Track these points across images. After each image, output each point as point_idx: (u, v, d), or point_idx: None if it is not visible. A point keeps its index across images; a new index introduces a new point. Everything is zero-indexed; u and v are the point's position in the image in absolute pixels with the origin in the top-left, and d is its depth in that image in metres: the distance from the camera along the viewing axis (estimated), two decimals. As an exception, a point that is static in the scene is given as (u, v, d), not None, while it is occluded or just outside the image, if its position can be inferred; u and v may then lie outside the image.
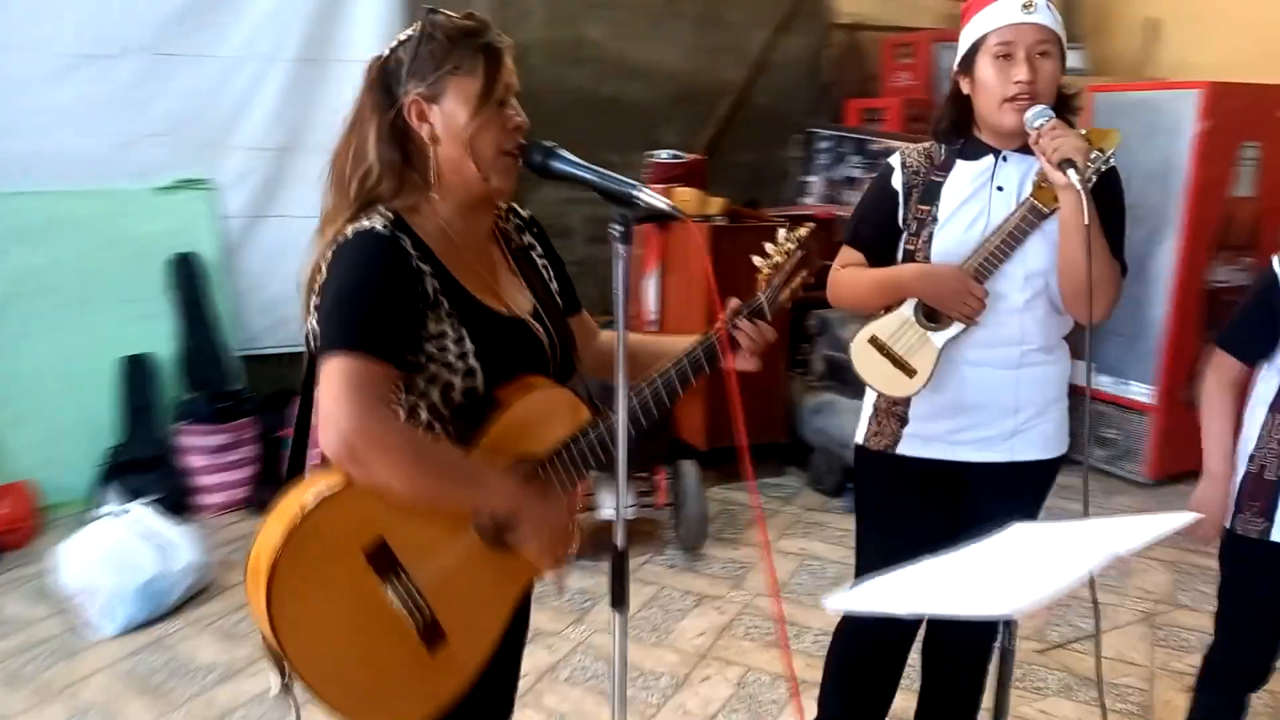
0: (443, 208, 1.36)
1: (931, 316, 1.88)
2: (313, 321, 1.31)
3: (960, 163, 1.89)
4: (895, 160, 1.96)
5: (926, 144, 1.96)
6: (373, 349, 1.22)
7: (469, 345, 1.32)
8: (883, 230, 1.95)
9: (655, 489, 3.48)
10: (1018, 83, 1.75)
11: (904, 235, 1.93)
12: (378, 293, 1.25)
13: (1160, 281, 4.04)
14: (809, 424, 4.13)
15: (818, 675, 2.17)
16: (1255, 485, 1.88)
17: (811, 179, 5.40)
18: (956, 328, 1.85)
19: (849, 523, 3.79)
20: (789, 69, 5.48)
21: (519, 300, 1.45)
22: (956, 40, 1.91)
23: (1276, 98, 3.94)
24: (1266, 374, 1.91)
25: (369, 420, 1.19)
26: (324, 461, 1.24)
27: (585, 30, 5.05)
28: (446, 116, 1.30)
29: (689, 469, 3.50)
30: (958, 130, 1.92)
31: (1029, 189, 1.81)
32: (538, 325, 1.44)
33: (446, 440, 1.31)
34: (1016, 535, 1.53)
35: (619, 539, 1.34)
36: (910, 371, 1.89)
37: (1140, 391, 4.15)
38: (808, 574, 3.40)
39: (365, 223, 1.28)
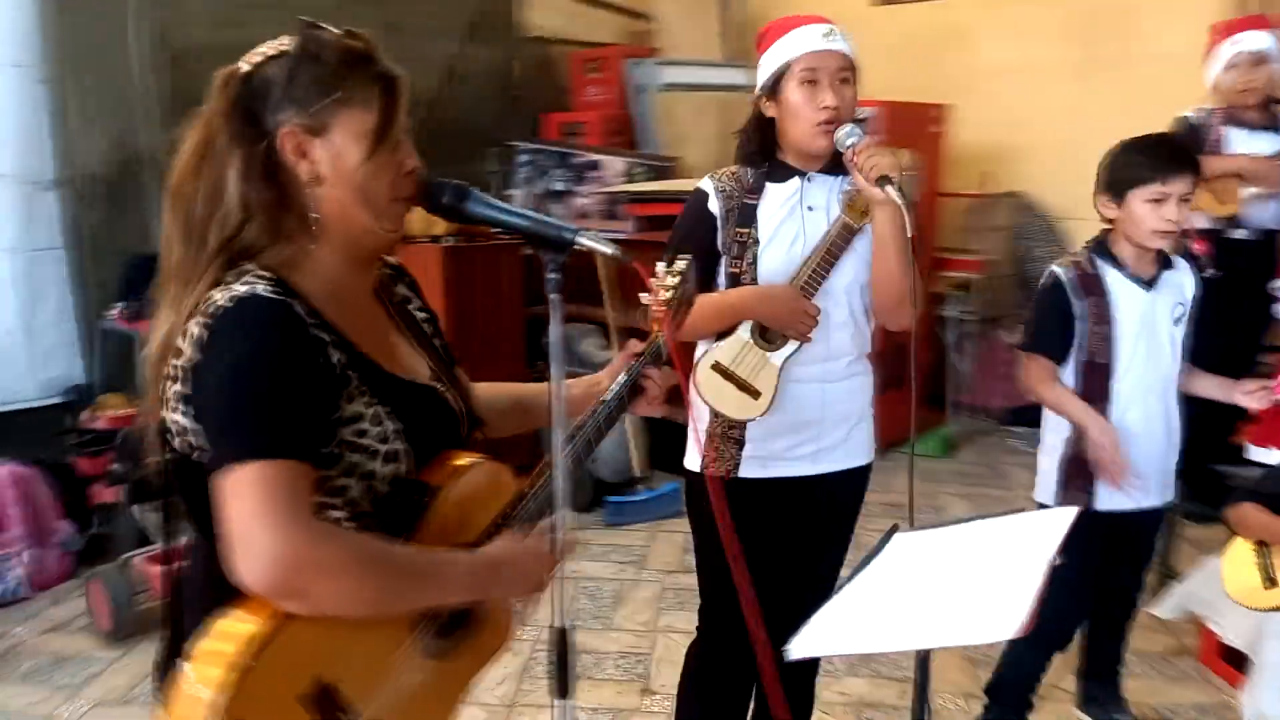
0: (326, 261, 1.14)
1: (766, 337, 1.92)
2: (179, 416, 1.05)
3: (769, 185, 1.94)
4: (708, 185, 1.97)
5: (733, 168, 1.99)
6: (289, 450, 1.00)
7: (390, 425, 1.13)
8: (702, 255, 1.93)
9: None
10: (825, 108, 1.83)
11: (724, 259, 1.94)
12: (280, 377, 1.02)
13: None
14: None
15: (633, 702, 2.14)
16: (1075, 467, 2.14)
17: (514, 193, 5.34)
18: (792, 346, 1.90)
19: (611, 537, 3.86)
20: (478, 81, 5.38)
21: (418, 364, 1.27)
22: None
23: (932, 115, 4.55)
24: (1068, 369, 2.19)
25: (303, 539, 0.97)
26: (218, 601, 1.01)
27: (255, 34, 4.57)
28: (333, 154, 1.09)
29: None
30: (763, 154, 1.96)
31: (836, 208, 1.90)
32: (444, 390, 1.26)
33: (386, 539, 1.09)
34: (907, 546, 1.60)
35: (558, 619, 1.22)
36: (755, 393, 1.92)
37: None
38: (587, 598, 3.36)
39: (241, 287, 1.04)
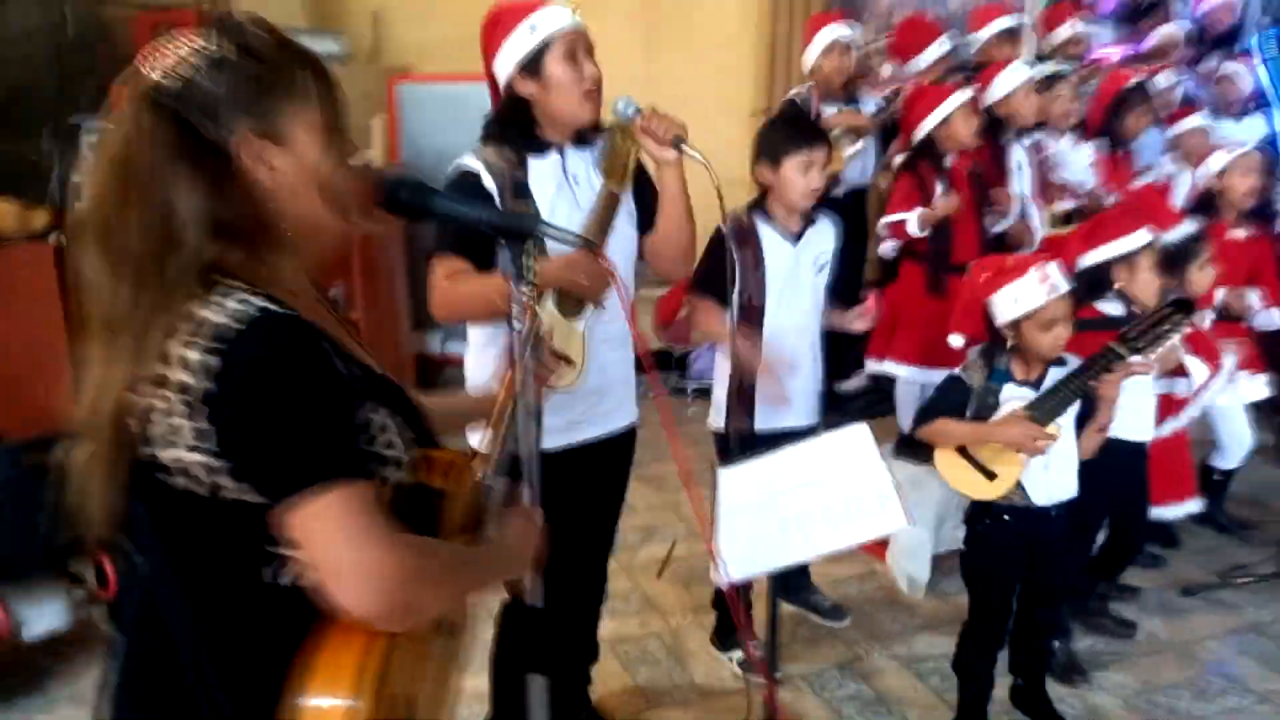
0: (293, 267, 1.06)
1: (564, 305, 2.00)
2: (190, 453, 0.93)
3: (531, 160, 1.99)
4: (474, 163, 1.97)
5: (487, 147, 2.01)
6: (356, 469, 0.96)
7: (393, 429, 1.08)
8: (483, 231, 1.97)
9: (102, 582, 2.79)
10: (591, 78, 1.95)
11: (515, 248, 1.98)
12: (325, 396, 0.96)
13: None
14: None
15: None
16: (739, 396, 2.47)
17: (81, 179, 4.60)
18: (589, 311, 2.01)
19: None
20: (20, 45, 4.53)
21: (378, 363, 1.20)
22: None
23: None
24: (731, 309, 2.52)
25: (404, 554, 0.95)
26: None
27: None
28: (292, 156, 1.02)
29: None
30: (520, 131, 2.01)
31: (596, 177, 2.02)
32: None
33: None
34: (737, 479, 1.83)
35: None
36: (570, 362, 1.99)
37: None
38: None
39: (238, 305, 0.94)
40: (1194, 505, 3.10)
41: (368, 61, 5.65)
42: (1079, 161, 3.53)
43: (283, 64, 1.02)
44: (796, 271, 2.55)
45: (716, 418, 2.62)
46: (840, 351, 3.30)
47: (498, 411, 1.38)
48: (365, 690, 0.92)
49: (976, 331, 2.34)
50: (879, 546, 3.33)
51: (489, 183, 1.95)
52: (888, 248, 3.36)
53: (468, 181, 1.97)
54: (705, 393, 4.79)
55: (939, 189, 3.25)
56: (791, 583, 2.99)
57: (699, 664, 2.83)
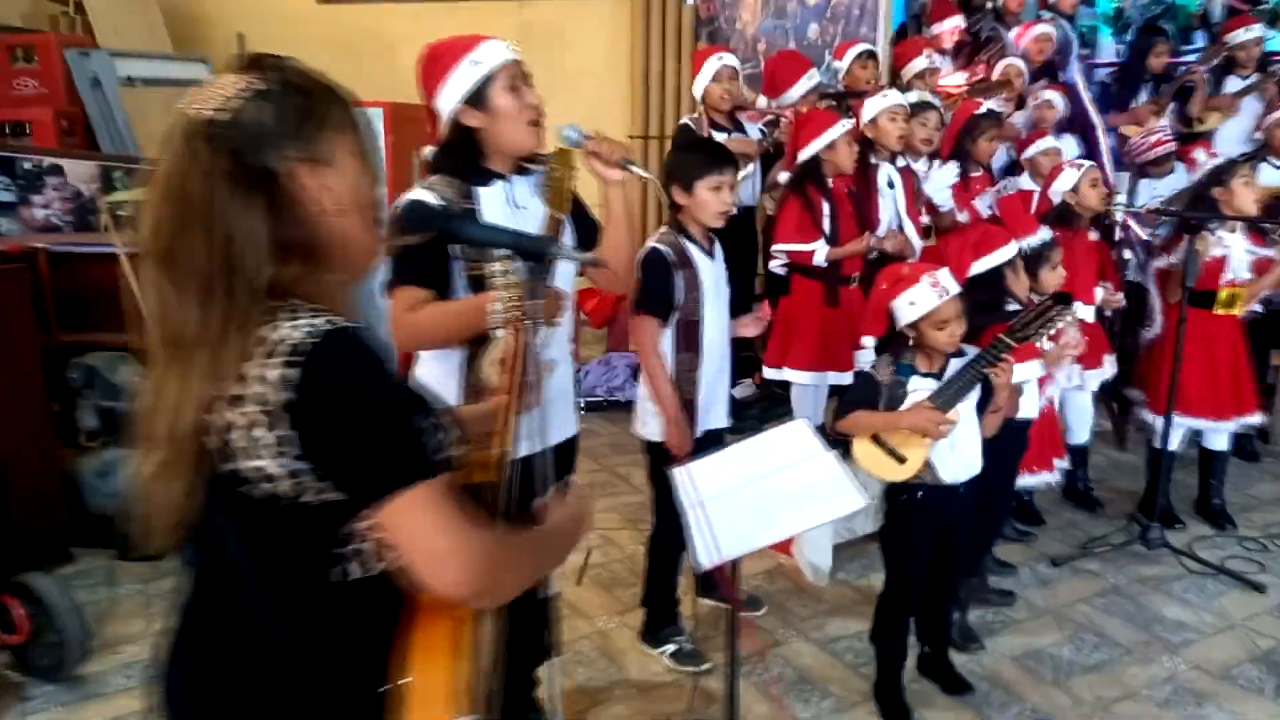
0: (337, 284, 1.14)
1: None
2: (269, 461, 1.00)
3: (479, 189, 2.07)
4: (424, 195, 2.00)
5: (436, 178, 2.07)
6: (438, 466, 1.05)
7: (445, 428, 1.17)
8: (439, 261, 2.00)
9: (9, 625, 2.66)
10: (533, 107, 2.08)
11: (462, 263, 2.02)
12: (404, 400, 1.06)
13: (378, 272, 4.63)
14: (102, 490, 3.55)
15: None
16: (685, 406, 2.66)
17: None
18: (544, 332, 2.12)
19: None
20: None
21: None
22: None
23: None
24: (669, 329, 2.69)
25: (490, 541, 1.07)
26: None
27: None
28: (341, 180, 1.10)
29: (47, 585, 2.76)
30: (468, 161, 2.08)
31: (539, 203, 2.13)
32: None
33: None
34: (693, 474, 1.98)
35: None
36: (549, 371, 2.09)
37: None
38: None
39: (312, 322, 1.02)
40: (1055, 476, 3.49)
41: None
42: (941, 182, 3.89)
43: (320, 95, 1.10)
44: (717, 285, 2.74)
45: (645, 426, 2.76)
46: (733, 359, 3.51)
47: (503, 417, 1.47)
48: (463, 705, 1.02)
49: (882, 332, 2.59)
50: (785, 541, 3.55)
51: None
52: (778, 264, 3.61)
53: (416, 209, 2.01)
54: (594, 407, 4.99)
55: (825, 208, 3.53)
56: (709, 580, 3.16)
57: (632, 661, 2.95)
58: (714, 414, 2.75)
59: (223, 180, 1.01)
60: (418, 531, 1.00)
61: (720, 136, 3.92)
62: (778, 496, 1.76)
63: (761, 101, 4.39)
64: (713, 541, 1.62)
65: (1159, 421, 3.63)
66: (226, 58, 1.12)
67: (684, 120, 3.98)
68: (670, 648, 2.93)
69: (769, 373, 3.75)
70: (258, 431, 0.99)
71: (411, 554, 1.01)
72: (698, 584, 3.18)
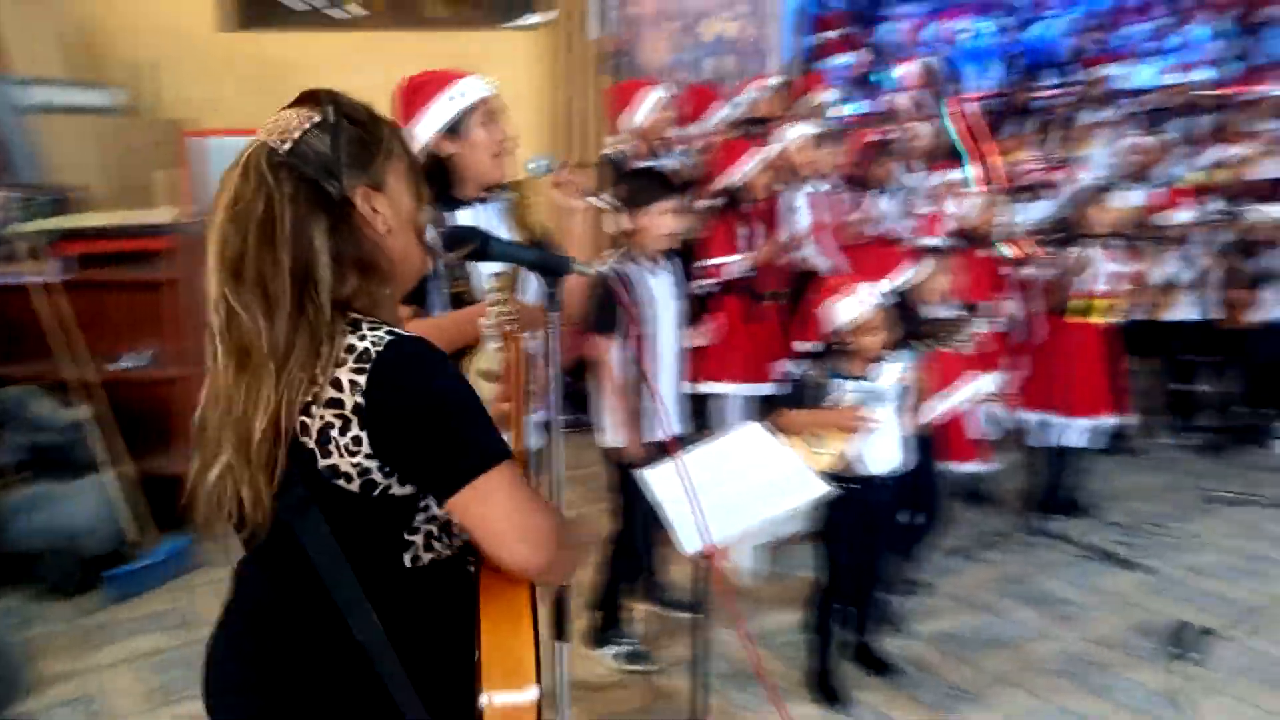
0: (394, 300, 1.28)
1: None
2: (352, 458, 1.12)
3: (456, 213, 2.22)
4: None
5: None
6: (508, 451, 1.18)
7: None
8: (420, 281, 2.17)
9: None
10: (505, 139, 2.25)
11: (442, 280, 2.18)
12: (472, 395, 1.19)
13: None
14: (24, 526, 3.46)
15: None
16: (634, 415, 2.84)
17: None
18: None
19: (129, 611, 3.43)
20: None
21: None
22: None
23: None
24: (622, 344, 2.87)
25: (558, 521, 1.21)
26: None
27: None
28: (394, 203, 1.23)
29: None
30: (442, 188, 2.21)
31: (504, 228, 2.30)
32: None
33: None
34: (668, 472, 2.15)
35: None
36: None
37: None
38: (159, 671, 3.07)
39: (379, 333, 1.14)
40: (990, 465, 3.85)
41: (147, 115, 5.47)
42: (837, 203, 4.21)
43: (374, 126, 1.22)
44: (666, 301, 2.94)
45: (606, 436, 2.94)
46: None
47: (512, 421, 1.61)
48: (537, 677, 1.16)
49: (818, 339, 2.85)
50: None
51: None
52: (704, 284, 3.82)
53: (461, 232, 2.18)
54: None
55: (744, 231, 3.78)
56: (648, 586, 3.33)
57: (577, 664, 3.08)
58: (668, 420, 2.94)
59: (294, 205, 1.13)
60: (497, 512, 1.13)
61: (644, 163, 4.12)
62: (746, 491, 1.95)
63: (671, 131, 4.62)
64: (700, 527, 1.78)
65: (1033, 420, 4.04)
66: (297, 96, 1.23)
67: (609, 151, 4.17)
68: (617, 649, 3.08)
69: (694, 387, 3.95)
70: (335, 433, 1.10)
71: (490, 534, 1.13)
72: (644, 590, 3.33)
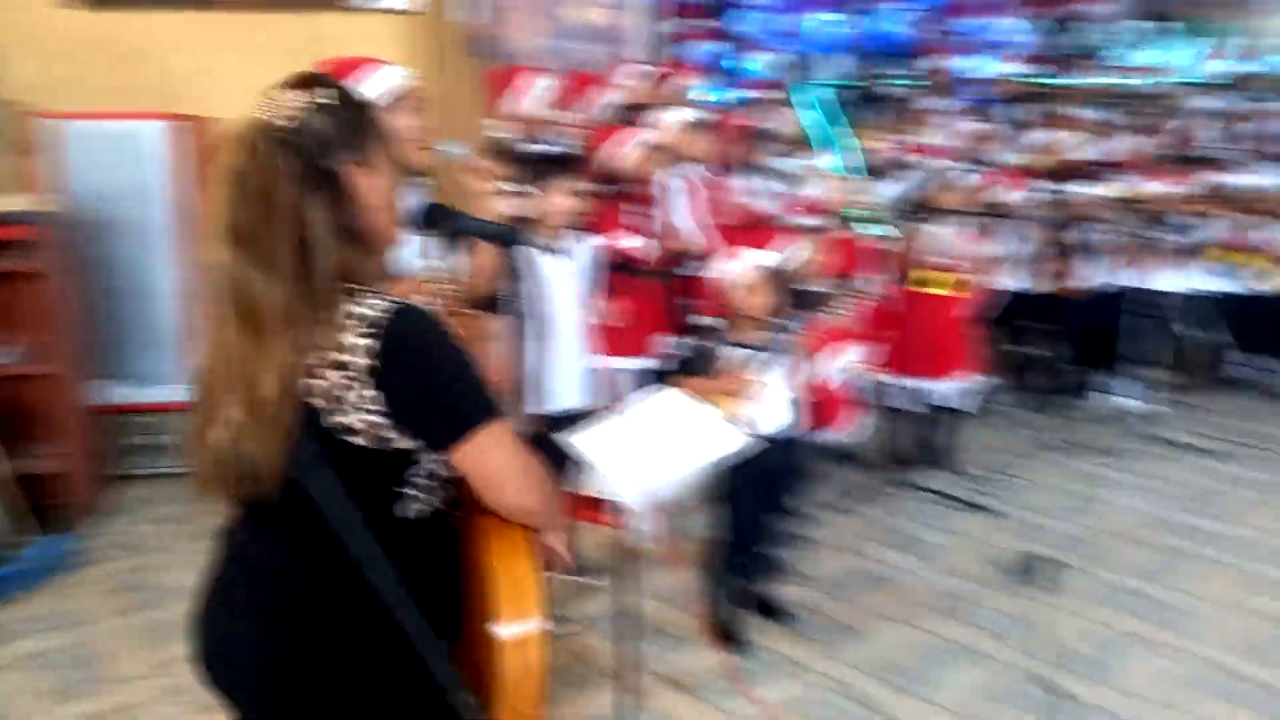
0: (376, 271, 1.38)
1: None
2: (363, 415, 1.21)
3: None
4: None
5: None
6: (500, 406, 1.31)
7: None
8: None
9: None
10: (425, 128, 2.34)
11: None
12: (471, 357, 1.29)
13: (166, 292, 4.49)
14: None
15: None
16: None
17: None
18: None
19: (9, 614, 3.29)
20: None
21: None
22: None
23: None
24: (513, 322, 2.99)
25: (544, 471, 1.32)
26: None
27: None
28: (379, 180, 1.33)
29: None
30: None
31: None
32: None
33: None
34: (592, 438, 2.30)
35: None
36: None
37: (167, 394, 4.54)
38: (54, 670, 2.99)
39: (379, 300, 1.24)
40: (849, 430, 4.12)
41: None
42: (712, 185, 4.44)
43: (365, 107, 1.33)
44: (568, 278, 3.08)
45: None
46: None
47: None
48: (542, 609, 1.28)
49: (712, 311, 3.05)
50: (596, 514, 3.92)
51: None
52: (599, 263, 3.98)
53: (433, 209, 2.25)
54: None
55: (628, 212, 3.94)
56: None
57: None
58: (567, 394, 3.08)
59: (298, 180, 1.22)
60: (499, 460, 1.24)
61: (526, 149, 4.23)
62: (670, 446, 2.12)
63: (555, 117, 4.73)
64: (633, 481, 1.94)
65: (895, 383, 4.42)
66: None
67: (494, 134, 4.24)
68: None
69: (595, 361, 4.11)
70: (353, 392, 1.19)
71: (493, 482, 1.25)
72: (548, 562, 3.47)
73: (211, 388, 1.26)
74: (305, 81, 1.30)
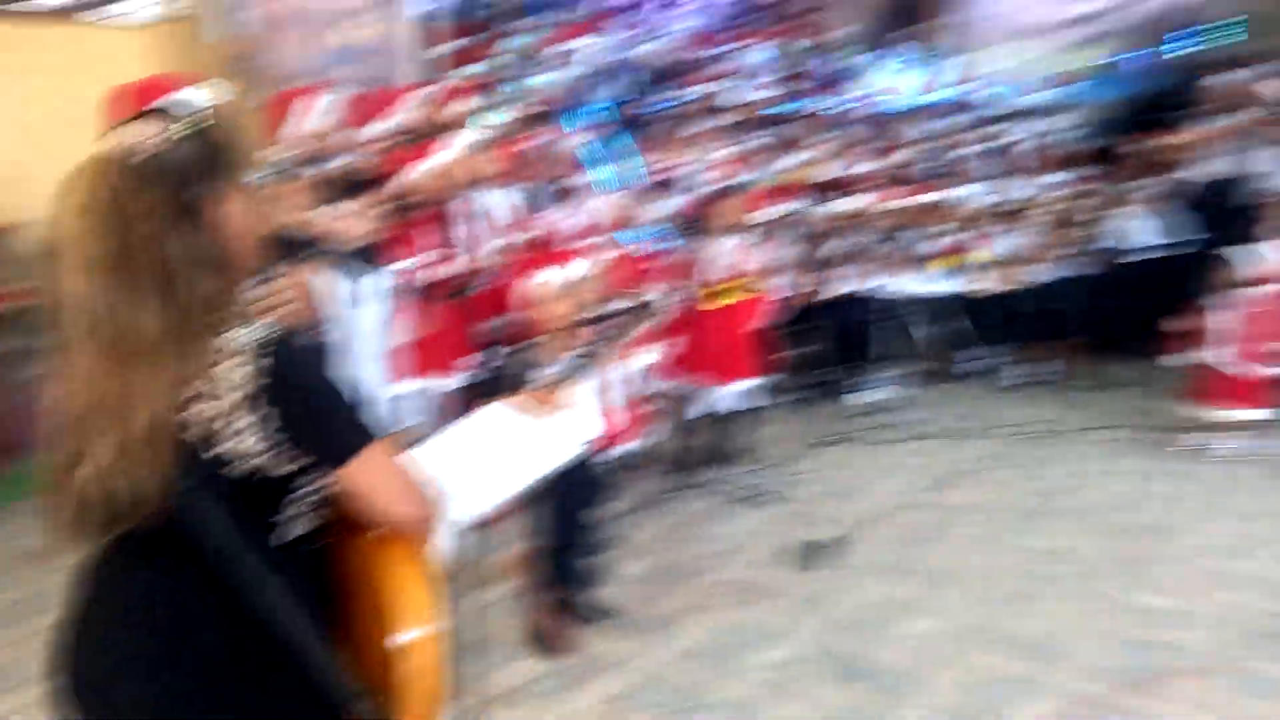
0: (238, 300, 1.39)
1: None
2: (249, 440, 1.23)
3: None
4: None
5: None
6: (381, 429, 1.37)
7: None
8: None
9: None
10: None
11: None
12: (344, 384, 1.34)
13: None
14: None
15: None
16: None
17: None
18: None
19: None
20: None
21: None
22: None
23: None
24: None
25: (419, 484, 1.39)
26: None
27: None
28: (238, 209, 1.35)
29: None
30: None
31: None
32: None
33: None
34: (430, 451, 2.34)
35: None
36: None
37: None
38: None
39: (257, 326, 1.27)
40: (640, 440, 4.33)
41: None
42: (502, 206, 4.54)
43: (229, 143, 1.34)
44: (363, 298, 3.06)
45: None
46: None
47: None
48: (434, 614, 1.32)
49: (514, 328, 3.16)
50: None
51: None
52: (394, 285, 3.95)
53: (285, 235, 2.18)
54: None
55: (421, 232, 3.97)
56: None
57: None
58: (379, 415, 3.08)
59: (160, 210, 1.22)
60: (383, 477, 1.29)
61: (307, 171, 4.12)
62: (506, 458, 2.21)
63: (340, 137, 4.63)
64: (468, 497, 2.00)
65: (686, 388, 4.70)
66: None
67: (279, 157, 4.09)
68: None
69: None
70: (238, 415, 1.20)
71: (378, 497, 1.29)
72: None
73: (74, 425, 1.23)
74: (156, 113, 1.30)
